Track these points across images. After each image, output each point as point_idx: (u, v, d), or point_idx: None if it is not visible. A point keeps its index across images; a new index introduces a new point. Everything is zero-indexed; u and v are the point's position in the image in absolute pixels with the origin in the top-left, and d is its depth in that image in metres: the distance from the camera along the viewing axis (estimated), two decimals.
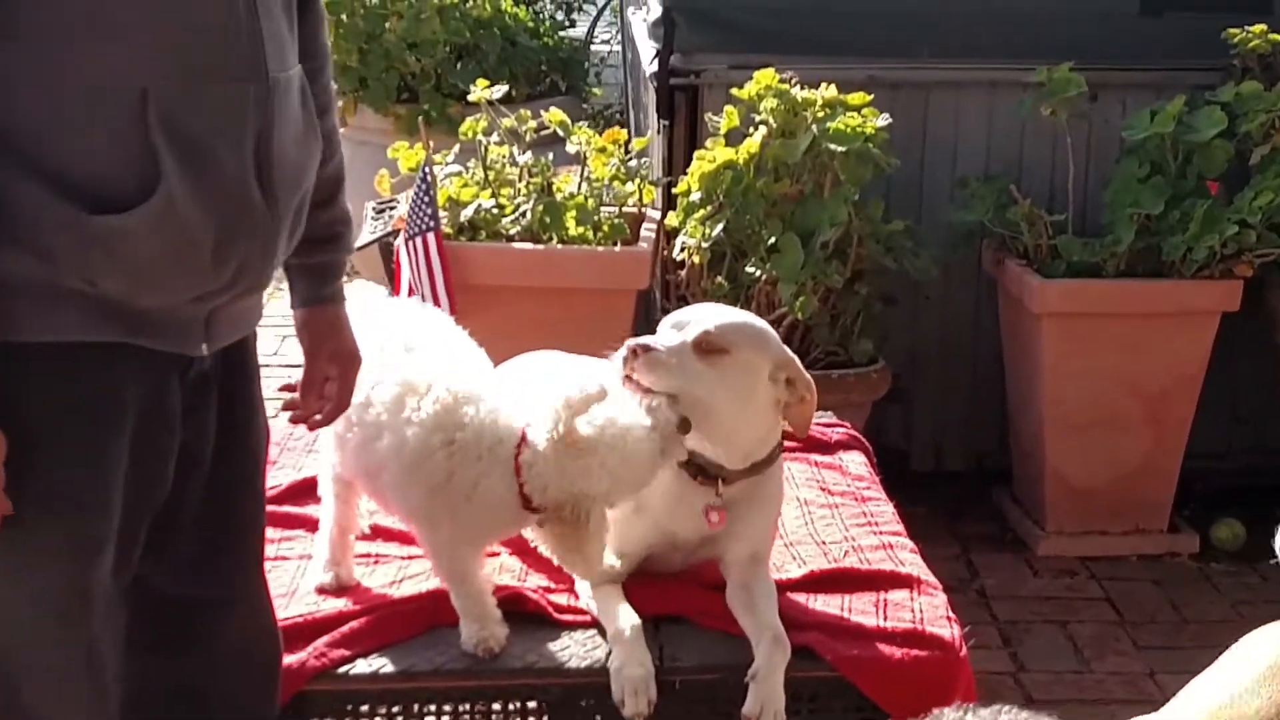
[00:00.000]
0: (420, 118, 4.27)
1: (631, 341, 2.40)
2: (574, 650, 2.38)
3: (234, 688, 2.11)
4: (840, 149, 3.87)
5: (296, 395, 2.19)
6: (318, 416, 2.20)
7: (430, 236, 3.72)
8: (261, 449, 2.14)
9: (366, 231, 4.86)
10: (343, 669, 2.32)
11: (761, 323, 2.57)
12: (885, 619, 2.45)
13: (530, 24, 6.34)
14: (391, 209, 4.71)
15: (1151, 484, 4.20)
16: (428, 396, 2.32)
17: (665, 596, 2.49)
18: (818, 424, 3.27)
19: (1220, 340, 4.11)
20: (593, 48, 7.54)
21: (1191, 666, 3.50)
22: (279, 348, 5.78)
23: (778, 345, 2.53)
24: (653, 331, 2.84)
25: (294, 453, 3.06)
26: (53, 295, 1.75)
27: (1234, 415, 4.56)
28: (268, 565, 2.56)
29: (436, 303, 3.68)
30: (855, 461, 3.11)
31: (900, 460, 4.50)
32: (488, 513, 2.31)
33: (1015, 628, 3.78)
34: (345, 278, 2.22)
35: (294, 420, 2.22)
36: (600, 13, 7.96)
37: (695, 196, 4.02)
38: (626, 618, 2.37)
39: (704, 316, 2.47)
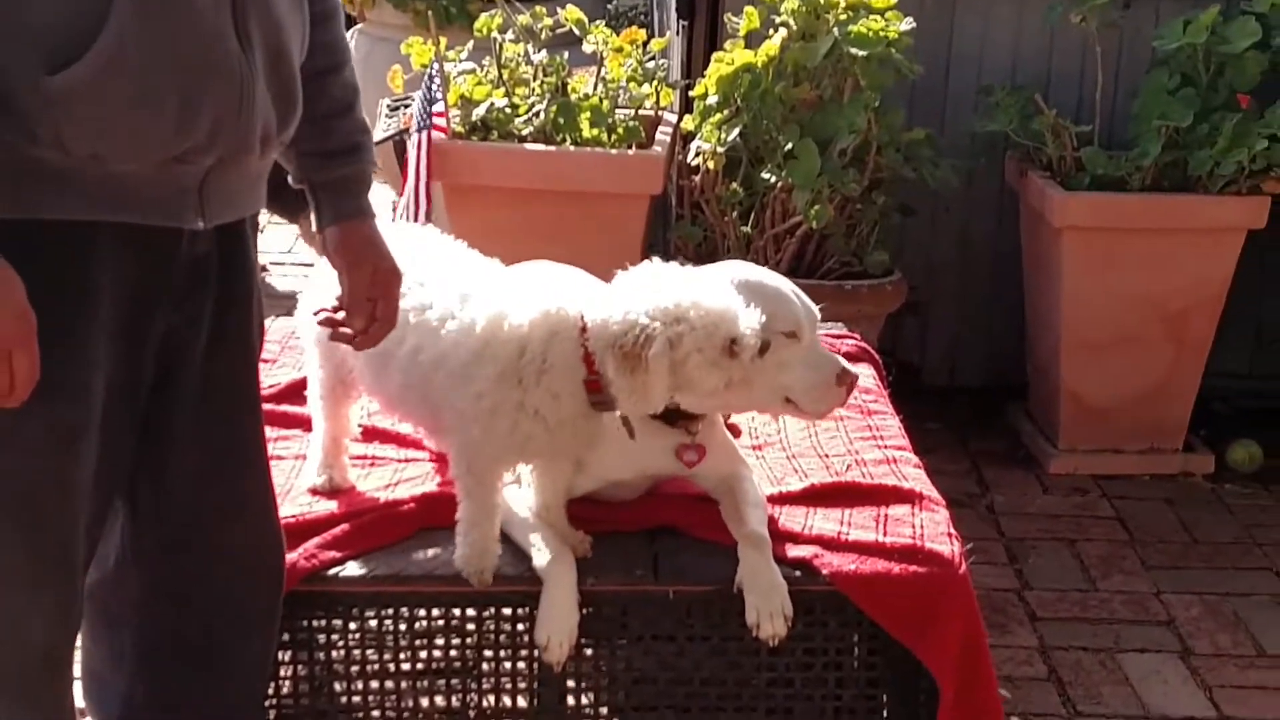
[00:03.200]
0: (431, 13, 4.18)
1: None
2: None
3: (239, 593, 2.09)
4: (861, 53, 3.78)
5: (337, 316, 2.11)
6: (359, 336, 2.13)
7: (425, 135, 3.67)
8: (256, 349, 2.09)
9: (380, 129, 4.80)
10: (333, 570, 2.30)
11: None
12: (885, 534, 2.41)
13: None
14: (406, 106, 4.64)
15: (1168, 403, 4.15)
16: (470, 305, 2.24)
17: (659, 509, 2.45)
18: (827, 335, 3.23)
19: (1245, 259, 4.03)
20: None
21: (1198, 587, 3.54)
22: (294, 245, 5.75)
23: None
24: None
25: (294, 351, 3.02)
26: (25, 168, 1.69)
27: (1256, 336, 4.49)
28: None
29: (417, 202, 3.64)
30: (863, 374, 3.05)
31: (914, 374, 4.46)
32: (551, 404, 2.19)
33: (1022, 545, 3.74)
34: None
35: (337, 338, 2.14)
36: None
37: (712, 100, 3.94)
38: (560, 558, 2.30)
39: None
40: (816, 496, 2.53)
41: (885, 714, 2.40)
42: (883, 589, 2.32)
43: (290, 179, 2.09)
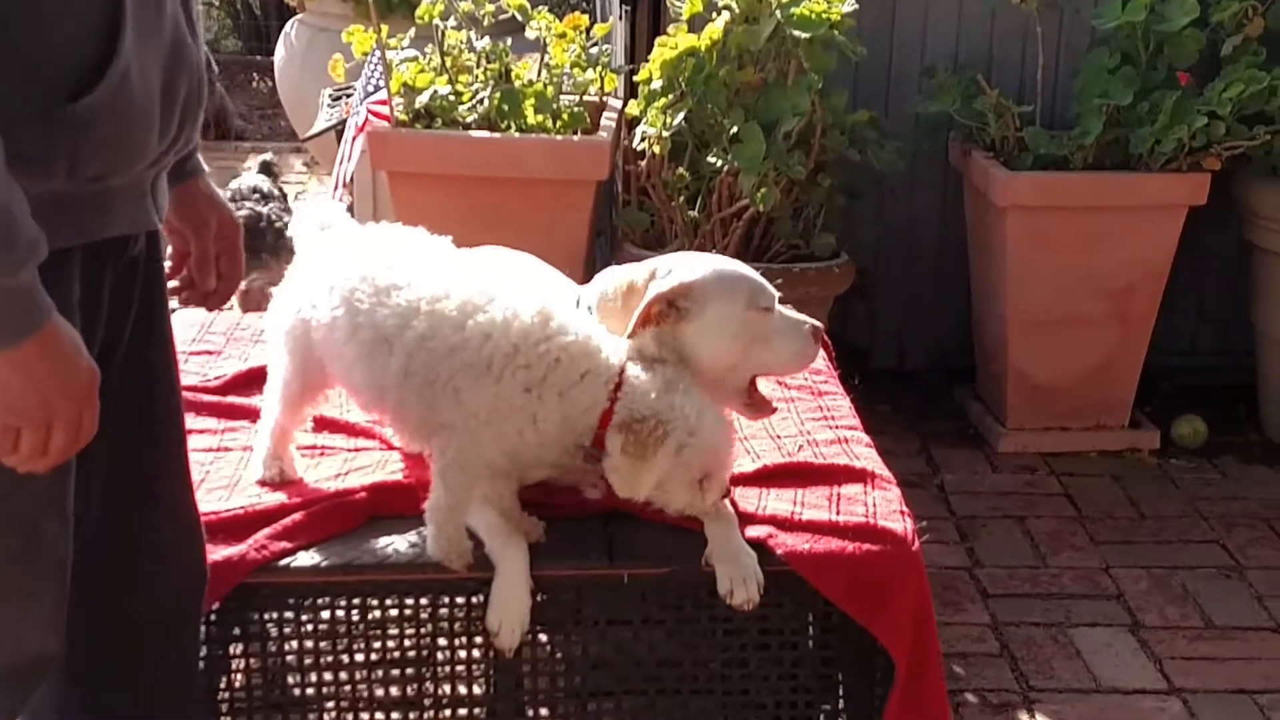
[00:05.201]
0: (372, 1, 4.15)
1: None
2: None
3: (158, 587, 2.03)
4: (804, 35, 3.78)
5: (179, 281, 2.08)
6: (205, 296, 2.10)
7: (358, 121, 3.65)
8: (171, 339, 2.03)
9: (322, 119, 4.77)
10: (284, 561, 2.27)
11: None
12: (838, 513, 2.41)
13: None
14: (348, 95, 4.61)
15: (1114, 381, 4.19)
16: (501, 302, 2.22)
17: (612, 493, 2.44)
18: None
19: (1187, 235, 4.07)
20: None
21: (1146, 561, 3.58)
22: None
23: None
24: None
25: (240, 343, 2.99)
26: (36, 206, 1.63)
27: (1199, 311, 4.55)
28: (210, 456, 2.55)
29: (336, 185, 3.62)
30: None
31: (862, 357, 4.48)
32: (558, 431, 2.21)
33: (973, 523, 3.77)
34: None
35: (188, 303, 2.10)
36: None
37: (656, 85, 3.93)
38: (512, 542, 2.29)
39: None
40: (769, 477, 2.53)
41: (841, 692, 2.40)
42: (837, 567, 2.32)
43: None
